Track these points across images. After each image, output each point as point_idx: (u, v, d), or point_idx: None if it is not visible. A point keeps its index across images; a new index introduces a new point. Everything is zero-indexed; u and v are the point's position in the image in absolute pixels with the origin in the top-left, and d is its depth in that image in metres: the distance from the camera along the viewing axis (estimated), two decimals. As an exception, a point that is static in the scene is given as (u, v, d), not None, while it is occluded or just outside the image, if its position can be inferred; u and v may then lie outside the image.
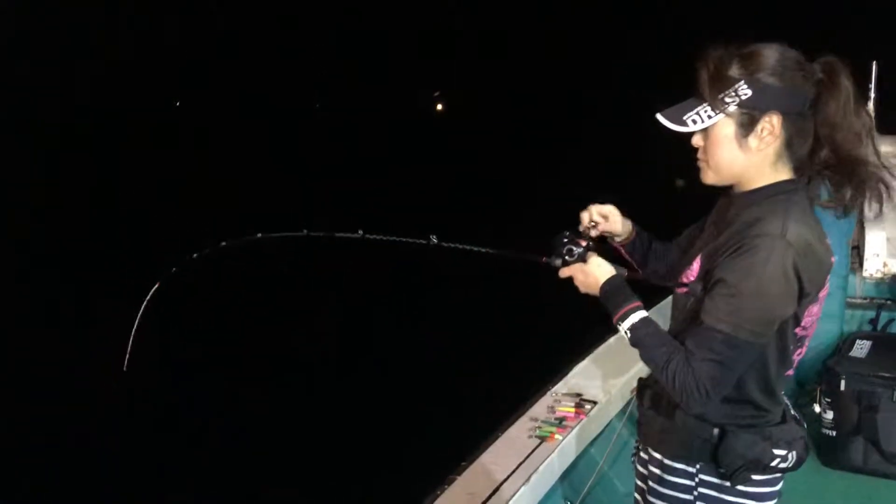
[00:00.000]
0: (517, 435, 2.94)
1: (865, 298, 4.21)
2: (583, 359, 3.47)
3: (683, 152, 1.86)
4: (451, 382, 6.35)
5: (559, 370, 3.38)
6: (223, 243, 2.29)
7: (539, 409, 3.11)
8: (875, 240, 4.23)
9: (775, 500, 1.90)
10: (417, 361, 6.71)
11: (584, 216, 2.04)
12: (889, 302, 4.14)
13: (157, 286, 2.28)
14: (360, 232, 2.14)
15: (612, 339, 3.59)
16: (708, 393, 1.69)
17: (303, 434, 5.75)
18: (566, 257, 1.94)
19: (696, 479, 1.85)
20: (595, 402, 3.14)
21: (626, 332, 1.82)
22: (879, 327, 4.03)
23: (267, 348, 7.69)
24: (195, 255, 2.29)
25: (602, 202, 2.07)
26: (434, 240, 2.05)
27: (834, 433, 3.46)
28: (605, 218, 2.05)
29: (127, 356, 2.30)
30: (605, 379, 3.30)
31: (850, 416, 3.42)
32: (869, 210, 1.80)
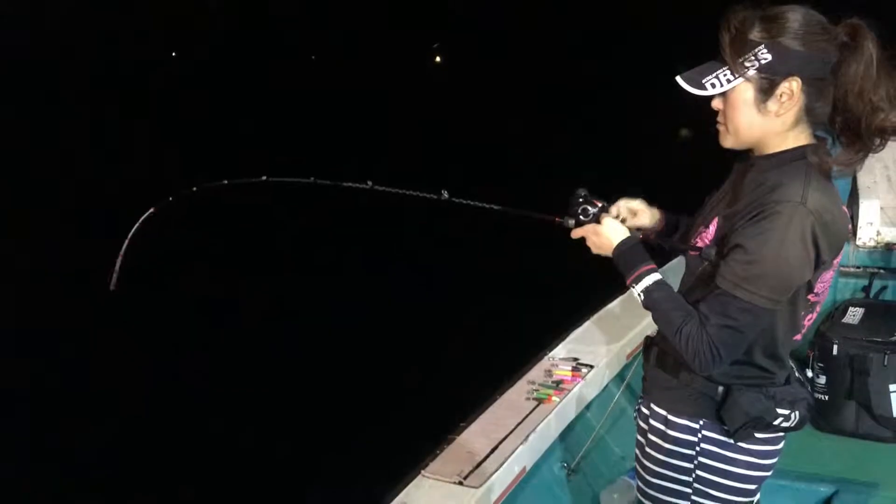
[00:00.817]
0: (515, 397, 2.98)
1: (858, 267, 4.24)
2: (580, 324, 3.50)
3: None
4: (450, 345, 6.38)
5: (557, 335, 3.42)
6: (225, 181, 2.26)
7: (536, 372, 3.16)
8: (869, 209, 4.25)
9: (776, 459, 1.93)
10: (415, 322, 6.72)
11: (612, 211, 2.00)
12: (882, 270, 4.17)
13: (151, 211, 2.25)
14: (370, 183, 2.12)
15: (610, 305, 3.62)
16: (721, 357, 1.70)
17: (295, 397, 5.76)
18: (580, 217, 1.92)
19: (700, 435, 1.88)
20: (592, 366, 3.18)
21: (639, 295, 1.82)
22: (872, 295, 4.07)
23: (264, 300, 7.72)
24: (194, 188, 2.26)
25: (631, 196, 2.06)
26: (445, 194, 2.04)
27: (826, 397, 3.50)
28: (634, 213, 2.04)
29: (115, 274, 2.24)
30: (601, 344, 3.34)
31: (842, 381, 3.46)
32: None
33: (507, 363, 3.32)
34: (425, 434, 2.79)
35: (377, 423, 5.27)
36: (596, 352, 3.28)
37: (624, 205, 2.03)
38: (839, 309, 3.77)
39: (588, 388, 3.11)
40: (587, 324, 3.51)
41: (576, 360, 3.23)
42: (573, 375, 3.11)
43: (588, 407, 3.17)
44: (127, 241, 2.22)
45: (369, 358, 6.24)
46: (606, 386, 3.28)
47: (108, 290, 2.20)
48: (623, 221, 1.99)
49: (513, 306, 6.89)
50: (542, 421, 2.79)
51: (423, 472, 2.51)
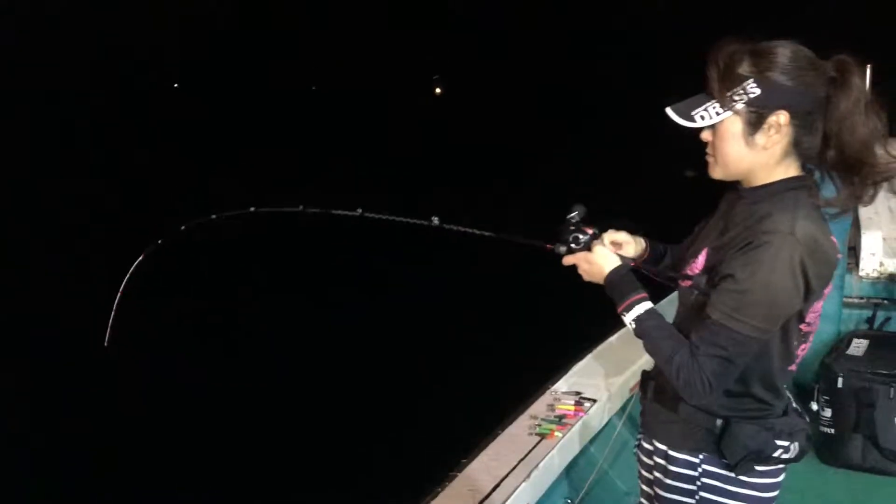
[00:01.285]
0: (517, 432, 2.95)
1: (862, 298, 4.22)
2: (582, 357, 3.48)
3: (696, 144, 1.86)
4: (451, 379, 6.35)
5: (559, 368, 3.39)
6: (213, 216, 2.27)
7: (539, 407, 3.12)
8: (871, 240, 4.24)
9: (777, 492, 1.91)
10: (416, 357, 6.70)
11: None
12: (885, 301, 4.16)
13: (141, 258, 2.26)
14: (359, 210, 2.12)
15: (611, 338, 3.60)
16: (711, 386, 1.70)
17: (297, 429, 5.73)
18: (571, 245, 1.93)
19: (700, 470, 1.87)
20: (594, 400, 3.15)
21: (630, 323, 1.83)
22: (876, 326, 4.05)
23: (262, 327, 7.69)
24: (182, 227, 2.27)
25: (616, 228, 2.06)
26: (436, 221, 2.04)
27: (832, 430, 3.47)
28: (619, 246, 2.04)
29: (108, 331, 2.26)
30: (604, 377, 3.31)
31: (848, 414, 3.43)
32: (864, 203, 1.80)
33: (509, 396, 3.29)
34: (427, 471, 2.75)
35: (379, 459, 5.24)
36: (598, 385, 3.25)
37: (608, 238, 2.03)
38: (843, 341, 3.75)
39: (591, 422, 3.07)
40: (589, 357, 3.48)
41: (578, 394, 3.19)
42: (576, 410, 3.07)
43: (591, 442, 3.14)
44: (119, 294, 2.23)
45: (370, 394, 6.21)
46: (609, 420, 3.24)
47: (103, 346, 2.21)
48: None
49: (514, 338, 6.87)
50: (545, 457, 2.75)
51: (424, 510, 2.47)
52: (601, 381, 3.29)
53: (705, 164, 1.86)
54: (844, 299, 4.15)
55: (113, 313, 2.27)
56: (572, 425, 2.97)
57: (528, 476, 2.65)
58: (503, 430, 2.96)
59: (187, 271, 7.85)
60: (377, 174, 13.21)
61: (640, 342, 1.86)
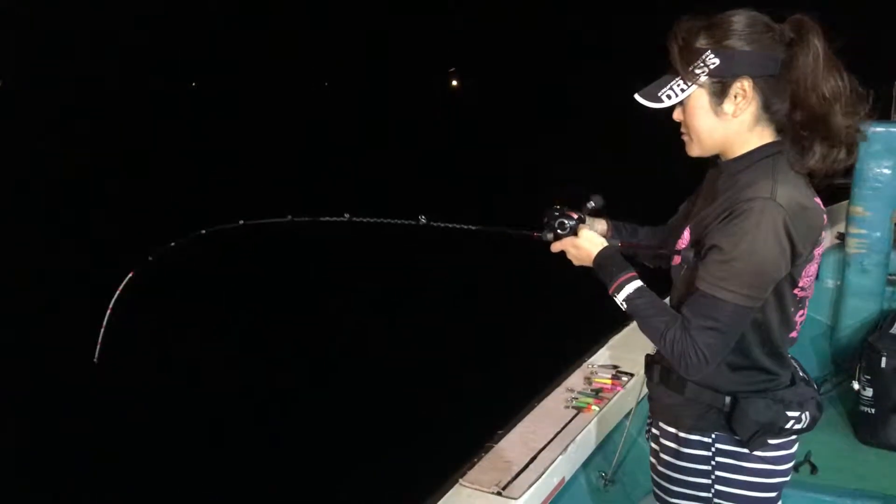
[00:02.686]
0: (553, 405, 2.97)
1: (908, 275, 4.14)
2: (619, 330, 3.47)
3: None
4: (488, 353, 6.37)
5: (596, 341, 3.39)
6: (203, 231, 2.29)
7: (575, 380, 3.14)
8: (919, 215, 4.15)
9: (791, 463, 1.92)
10: (456, 330, 6.72)
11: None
12: (933, 279, 4.08)
13: (131, 275, 2.27)
14: (347, 215, 2.15)
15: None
16: (707, 359, 1.71)
17: (336, 407, 5.79)
18: (558, 230, 1.95)
19: (713, 449, 1.87)
20: (632, 375, 3.15)
21: (622, 303, 1.84)
22: (922, 304, 3.98)
23: (300, 333, 7.76)
24: (172, 244, 2.28)
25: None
26: (423, 220, 2.07)
27: (873, 410, 3.43)
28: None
29: (98, 347, 2.26)
30: (641, 351, 3.28)
31: (890, 394, 3.40)
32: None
33: (546, 370, 3.29)
34: (463, 442, 2.77)
35: (415, 430, 5.28)
36: (636, 359, 3.24)
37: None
38: (888, 319, 3.69)
39: (628, 396, 3.08)
40: (627, 329, 3.47)
41: (616, 367, 3.20)
42: (613, 384, 3.08)
43: (627, 416, 3.13)
44: (109, 312, 2.25)
45: (407, 365, 6.26)
46: (646, 394, 3.23)
47: (93, 362, 2.24)
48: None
49: (553, 312, 6.87)
50: (581, 431, 2.77)
51: (460, 480, 2.49)
52: (639, 354, 3.27)
53: (683, 145, 1.88)
54: (889, 276, 4.07)
55: (102, 330, 2.26)
56: (609, 399, 2.98)
57: (565, 449, 2.67)
58: (539, 402, 2.98)
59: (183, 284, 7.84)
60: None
61: None
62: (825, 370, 3.92)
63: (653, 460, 2.04)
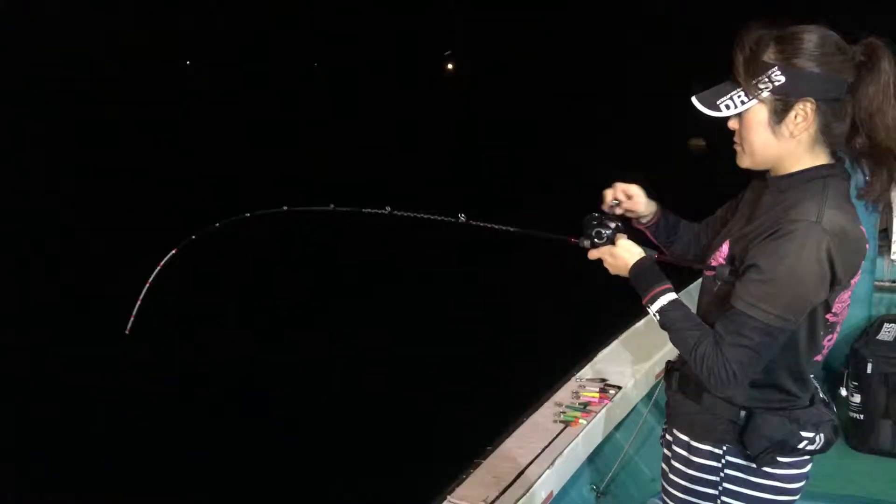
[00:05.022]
0: (542, 420, 2.95)
1: (893, 281, 4.16)
2: (607, 344, 3.47)
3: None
4: (476, 367, 6.36)
5: (584, 355, 3.39)
6: (247, 214, 2.31)
7: (564, 394, 3.13)
8: (903, 222, 4.17)
9: (803, 483, 1.88)
10: (442, 345, 6.71)
11: (608, 193, 2.02)
12: (918, 285, 4.09)
13: (174, 252, 2.30)
14: (388, 208, 2.14)
15: (637, 325, 3.58)
16: (736, 377, 1.68)
17: (322, 420, 5.78)
18: (595, 239, 1.93)
19: (723, 461, 1.85)
20: (619, 388, 3.15)
21: (655, 315, 1.81)
22: (908, 310, 3.99)
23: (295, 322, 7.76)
24: (217, 224, 2.32)
25: (628, 181, 2.05)
26: (462, 218, 2.05)
27: (862, 416, 3.43)
28: (629, 197, 2.03)
29: (132, 318, 2.31)
30: (629, 364, 3.30)
31: (877, 400, 3.40)
32: None
33: (533, 384, 3.29)
34: (451, 458, 2.76)
35: (403, 446, 5.25)
36: (624, 372, 3.25)
37: (620, 187, 2.03)
38: (874, 325, 3.70)
39: (616, 409, 3.07)
40: (614, 343, 3.48)
41: (603, 380, 3.19)
42: (601, 397, 3.07)
43: (616, 428, 3.14)
44: (147, 285, 2.27)
45: (394, 381, 6.24)
46: (635, 406, 3.24)
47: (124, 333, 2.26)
48: (618, 204, 2.01)
49: (540, 325, 6.87)
50: (568, 445, 2.76)
51: (448, 497, 2.48)
52: (627, 367, 3.29)
53: (734, 153, 1.83)
54: (875, 283, 4.09)
55: (139, 302, 2.30)
56: (597, 412, 2.97)
57: (552, 463, 2.66)
58: (528, 417, 2.97)
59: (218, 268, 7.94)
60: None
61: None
62: (815, 377, 3.92)
63: (664, 466, 2.02)
